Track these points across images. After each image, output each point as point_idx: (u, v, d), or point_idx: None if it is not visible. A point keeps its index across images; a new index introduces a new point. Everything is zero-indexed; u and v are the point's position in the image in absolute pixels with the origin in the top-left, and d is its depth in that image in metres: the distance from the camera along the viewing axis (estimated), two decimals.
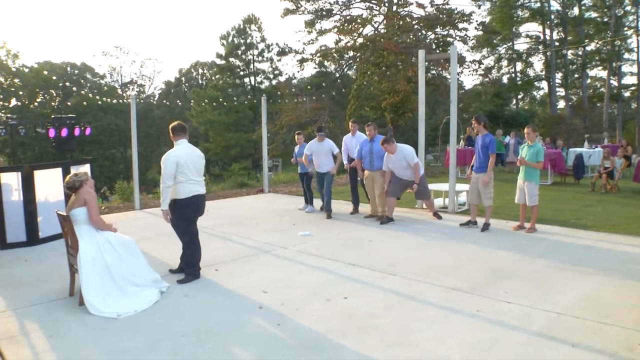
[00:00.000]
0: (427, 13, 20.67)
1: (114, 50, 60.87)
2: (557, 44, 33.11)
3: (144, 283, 4.55)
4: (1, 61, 38.56)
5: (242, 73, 43.75)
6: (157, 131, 40.29)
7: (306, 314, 4.08)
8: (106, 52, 54.90)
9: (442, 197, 9.43)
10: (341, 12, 22.19)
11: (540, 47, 34.41)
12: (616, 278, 4.85)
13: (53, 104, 41.64)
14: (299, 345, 3.51)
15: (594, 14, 33.65)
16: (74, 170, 5.66)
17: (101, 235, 4.46)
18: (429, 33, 21.32)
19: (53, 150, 8.94)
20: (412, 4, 20.71)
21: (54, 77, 40.87)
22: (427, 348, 3.42)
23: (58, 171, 7.28)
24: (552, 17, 32.83)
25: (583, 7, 32.83)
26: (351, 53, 22.67)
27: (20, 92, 40.12)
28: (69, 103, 37.41)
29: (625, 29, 33.06)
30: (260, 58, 43.33)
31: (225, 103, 35.44)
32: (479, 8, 32.05)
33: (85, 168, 7.43)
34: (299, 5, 22.03)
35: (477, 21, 23.56)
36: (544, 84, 35.85)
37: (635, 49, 32.77)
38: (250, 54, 42.96)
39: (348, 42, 21.88)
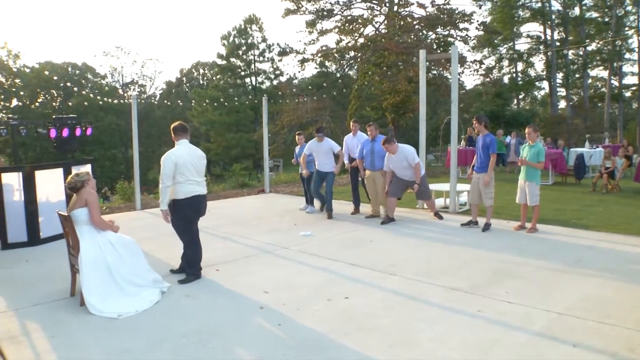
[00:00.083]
0: (428, 13, 20.68)
1: (115, 50, 61.16)
2: (558, 44, 33.11)
3: (144, 283, 4.55)
4: (2, 61, 38.58)
5: (243, 73, 43.72)
6: (158, 131, 40.33)
7: (307, 314, 4.08)
8: (107, 53, 54.86)
9: (443, 197, 9.43)
10: (342, 13, 22.21)
11: (541, 47, 34.41)
12: (617, 278, 4.84)
13: (54, 104, 41.66)
14: (300, 346, 3.51)
15: (594, 14, 33.65)
16: (75, 170, 5.64)
17: (102, 236, 4.46)
18: (430, 33, 21.30)
19: (54, 151, 8.95)
20: (413, 4, 20.73)
21: (55, 78, 40.93)
22: (427, 348, 3.42)
23: (59, 171, 7.28)
24: (553, 17, 32.84)
25: (584, 7, 32.84)
26: (352, 53, 22.67)
27: (22, 93, 40.14)
28: (70, 103, 37.49)
29: (626, 28, 33.05)
30: (261, 58, 43.36)
31: (226, 103, 35.43)
32: (480, 8, 32.10)
33: (87, 168, 7.41)
34: (300, 6, 22.04)
35: (478, 21, 23.52)
36: (545, 84, 35.95)
37: (636, 49, 32.81)
38: (251, 54, 42.95)
39: (349, 42, 21.88)
